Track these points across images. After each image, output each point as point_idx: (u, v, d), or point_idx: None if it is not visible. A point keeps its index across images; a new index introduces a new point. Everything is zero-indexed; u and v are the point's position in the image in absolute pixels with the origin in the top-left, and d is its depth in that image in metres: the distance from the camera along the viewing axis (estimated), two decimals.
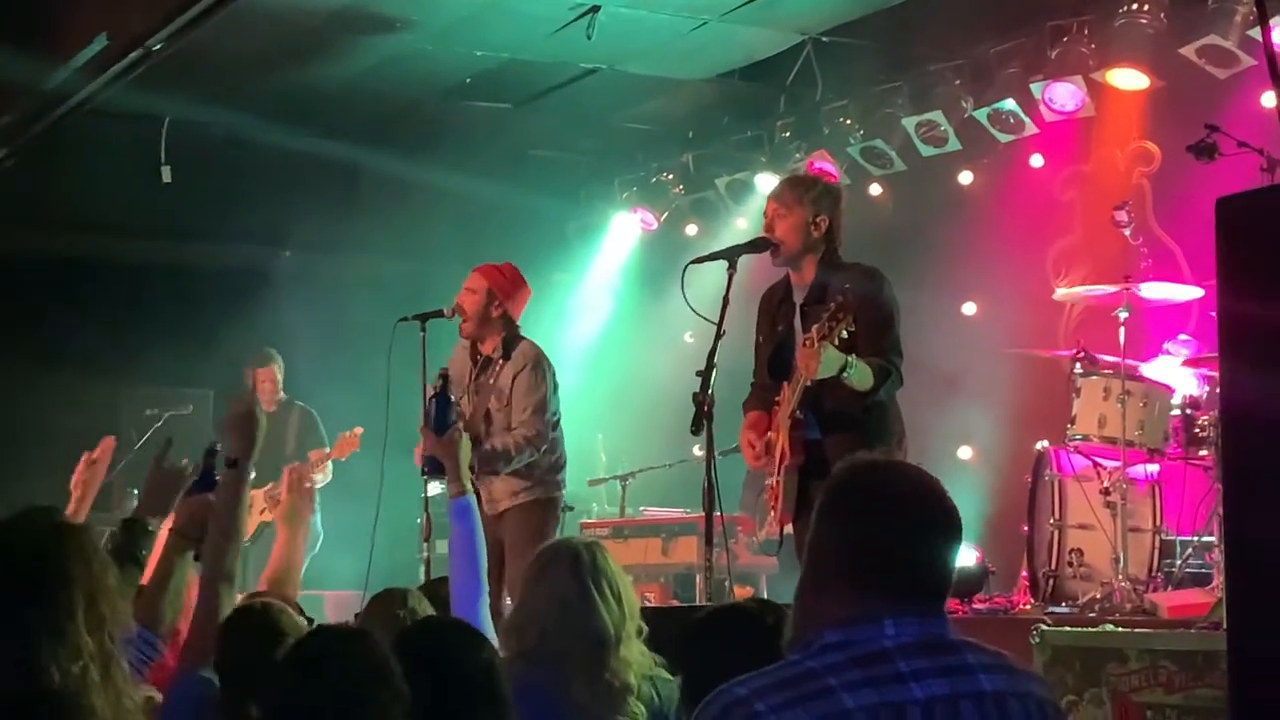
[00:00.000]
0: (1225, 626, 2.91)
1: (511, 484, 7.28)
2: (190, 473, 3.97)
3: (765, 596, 7.81)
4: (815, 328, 5.48)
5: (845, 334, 5.45)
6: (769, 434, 5.98)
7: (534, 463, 7.28)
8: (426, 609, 4.19)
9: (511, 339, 7.36)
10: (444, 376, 6.85)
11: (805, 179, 6.46)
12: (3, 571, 2.51)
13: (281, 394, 10.29)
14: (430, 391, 7.05)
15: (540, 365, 7.30)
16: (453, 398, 6.74)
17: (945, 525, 2.48)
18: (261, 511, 9.48)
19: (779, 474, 5.89)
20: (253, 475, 3.97)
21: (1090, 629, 5.84)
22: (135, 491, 10.31)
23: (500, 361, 7.31)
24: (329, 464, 9.72)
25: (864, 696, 2.29)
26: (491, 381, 7.29)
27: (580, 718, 3.87)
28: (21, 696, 2.42)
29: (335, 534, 9.59)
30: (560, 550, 4.13)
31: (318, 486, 9.71)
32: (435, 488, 8.43)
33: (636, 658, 4.01)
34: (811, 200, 5.96)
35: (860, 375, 5.60)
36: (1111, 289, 7.59)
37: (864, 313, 5.63)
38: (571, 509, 8.94)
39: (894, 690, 2.31)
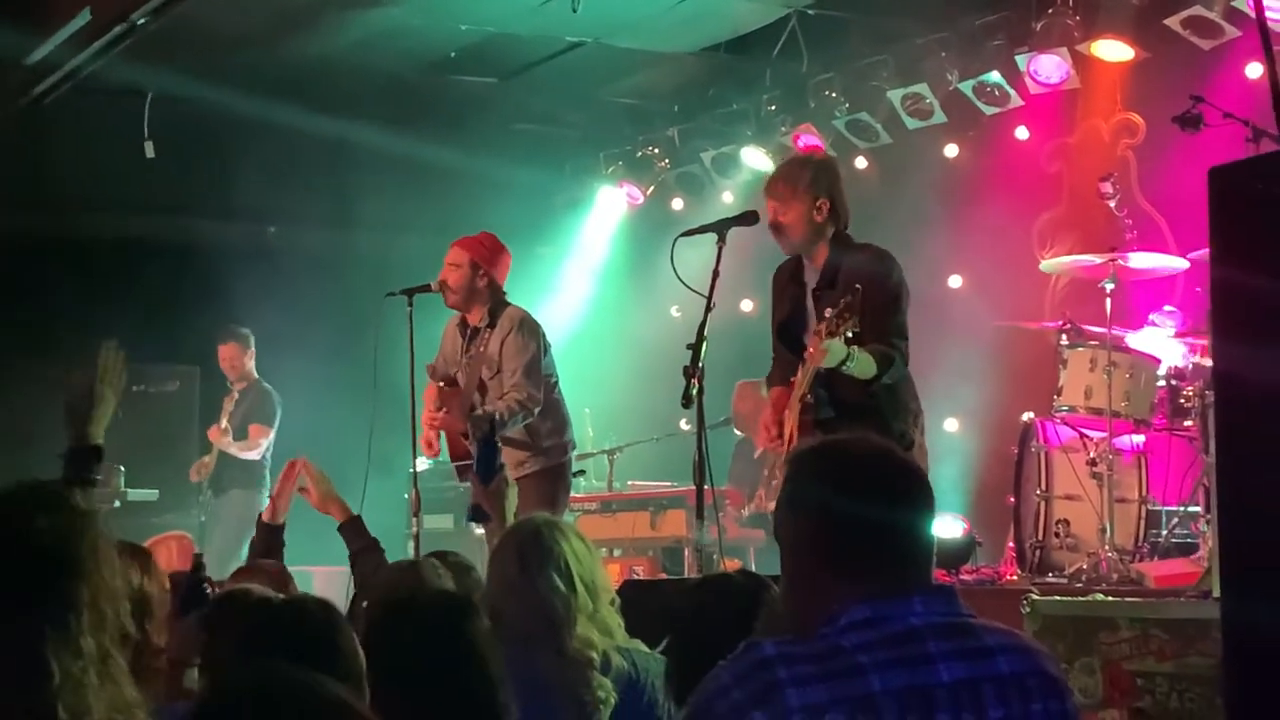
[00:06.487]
0: (1216, 594, 2.93)
1: (515, 454, 7.19)
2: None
3: (753, 569, 7.83)
4: (823, 323, 5.46)
5: (850, 334, 5.43)
6: (784, 413, 5.95)
7: (534, 429, 7.21)
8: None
9: (498, 306, 7.32)
10: (490, 422, 6.84)
11: (795, 165, 6.16)
12: (22, 555, 2.36)
13: (252, 374, 10.47)
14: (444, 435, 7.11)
15: (526, 326, 7.23)
16: (499, 444, 6.77)
17: (921, 494, 2.48)
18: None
19: (787, 454, 5.88)
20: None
21: (1081, 598, 5.86)
22: (121, 468, 10.31)
23: (488, 330, 7.26)
24: (230, 439, 10.26)
25: (893, 679, 2.29)
26: (481, 350, 7.22)
27: (552, 690, 3.88)
28: (22, 697, 2.29)
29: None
30: (512, 531, 4.16)
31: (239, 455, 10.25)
32: (424, 463, 8.44)
33: (599, 633, 3.99)
34: (808, 186, 5.88)
35: (861, 366, 5.59)
36: (1097, 260, 7.60)
37: (870, 296, 5.59)
38: (584, 473, 8.86)
39: (922, 673, 2.32)
